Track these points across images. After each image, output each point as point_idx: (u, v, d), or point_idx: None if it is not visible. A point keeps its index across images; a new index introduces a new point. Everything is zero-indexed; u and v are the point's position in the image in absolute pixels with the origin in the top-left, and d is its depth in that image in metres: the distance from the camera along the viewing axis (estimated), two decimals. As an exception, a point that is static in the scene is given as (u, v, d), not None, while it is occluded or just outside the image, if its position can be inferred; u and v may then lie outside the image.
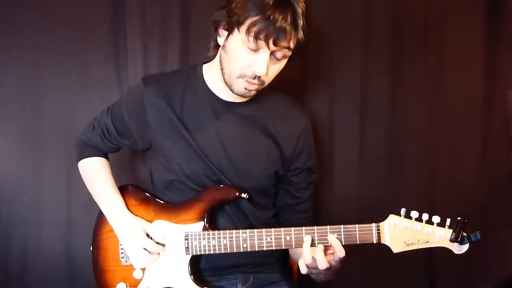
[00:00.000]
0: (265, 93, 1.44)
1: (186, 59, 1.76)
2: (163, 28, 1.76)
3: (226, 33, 1.28)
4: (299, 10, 1.21)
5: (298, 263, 1.29)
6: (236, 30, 1.23)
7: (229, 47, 1.27)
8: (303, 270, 1.28)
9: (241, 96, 1.33)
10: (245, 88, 1.29)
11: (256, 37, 1.19)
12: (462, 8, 1.86)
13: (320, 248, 1.25)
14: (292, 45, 1.25)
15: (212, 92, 1.41)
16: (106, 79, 1.78)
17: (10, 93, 1.76)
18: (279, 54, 1.25)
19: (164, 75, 1.49)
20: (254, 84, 1.28)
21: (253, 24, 1.19)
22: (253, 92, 1.32)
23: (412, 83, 1.86)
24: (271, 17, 1.17)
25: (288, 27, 1.19)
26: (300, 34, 1.23)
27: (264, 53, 1.23)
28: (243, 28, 1.20)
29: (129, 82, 1.75)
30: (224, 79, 1.32)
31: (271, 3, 1.18)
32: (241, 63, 1.26)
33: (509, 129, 1.91)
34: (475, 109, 1.90)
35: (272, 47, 1.22)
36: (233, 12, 1.22)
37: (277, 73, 1.32)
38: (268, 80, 1.31)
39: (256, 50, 1.23)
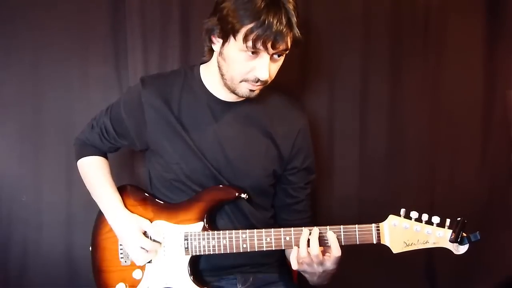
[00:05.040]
0: (264, 93, 1.44)
1: (186, 59, 1.76)
2: (163, 28, 1.76)
3: (220, 40, 1.27)
4: (291, 8, 1.20)
5: (290, 258, 1.30)
6: (232, 38, 1.22)
7: (227, 55, 1.27)
8: (294, 265, 1.29)
9: (247, 97, 1.34)
10: (250, 90, 1.30)
11: (255, 44, 1.19)
12: (462, 8, 1.85)
13: (315, 233, 1.26)
14: (289, 46, 1.25)
15: (210, 92, 1.41)
16: (106, 79, 1.78)
17: (10, 93, 1.76)
18: (277, 55, 1.26)
19: (161, 75, 1.49)
20: (258, 85, 1.29)
21: (250, 32, 1.18)
22: (257, 92, 1.32)
23: (412, 83, 1.86)
24: (266, 22, 1.16)
25: (284, 29, 1.18)
26: (296, 31, 1.23)
27: (264, 57, 1.23)
28: (240, 36, 1.20)
29: (129, 82, 1.75)
30: (226, 84, 1.33)
31: (262, 7, 1.16)
32: (242, 70, 1.26)
33: (509, 129, 1.91)
34: (475, 109, 1.90)
35: (271, 51, 1.22)
36: (226, 20, 1.21)
37: (277, 70, 1.33)
38: (271, 79, 1.31)
39: (254, 55, 1.23)
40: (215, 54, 1.34)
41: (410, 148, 1.88)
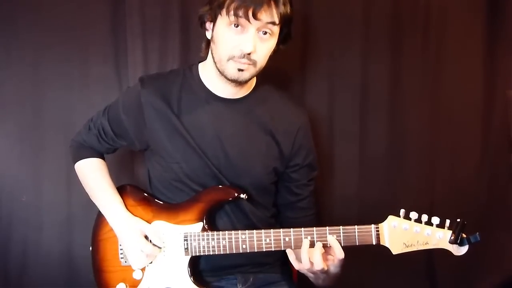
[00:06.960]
0: (263, 90, 1.44)
1: (186, 59, 1.76)
2: (163, 28, 1.76)
3: (211, 24, 1.31)
4: None
5: (289, 258, 1.29)
6: (219, 16, 1.26)
7: (216, 35, 1.29)
8: (296, 265, 1.28)
9: (236, 80, 1.31)
10: (238, 70, 1.29)
11: (236, 14, 1.21)
12: (462, 8, 1.85)
13: (318, 248, 1.25)
14: (276, 19, 1.25)
15: (209, 90, 1.41)
16: (106, 79, 1.78)
17: (10, 93, 1.76)
18: (265, 31, 1.26)
19: (161, 75, 1.49)
20: (244, 63, 1.28)
21: (231, 2, 1.21)
22: (246, 74, 1.31)
23: (412, 83, 1.85)
24: None
25: None
26: (282, 7, 1.24)
27: (249, 30, 1.24)
28: (224, 10, 1.23)
29: (129, 82, 1.75)
30: (217, 69, 1.33)
31: None
32: (228, 45, 1.27)
33: (509, 129, 1.91)
34: (475, 109, 1.90)
35: (254, 21, 1.22)
36: (214, 0, 1.26)
37: (269, 54, 1.32)
38: (259, 59, 1.30)
39: (240, 29, 1.24)
40: (210, 48, 1.35)
41: (410, 148, 1.88)
